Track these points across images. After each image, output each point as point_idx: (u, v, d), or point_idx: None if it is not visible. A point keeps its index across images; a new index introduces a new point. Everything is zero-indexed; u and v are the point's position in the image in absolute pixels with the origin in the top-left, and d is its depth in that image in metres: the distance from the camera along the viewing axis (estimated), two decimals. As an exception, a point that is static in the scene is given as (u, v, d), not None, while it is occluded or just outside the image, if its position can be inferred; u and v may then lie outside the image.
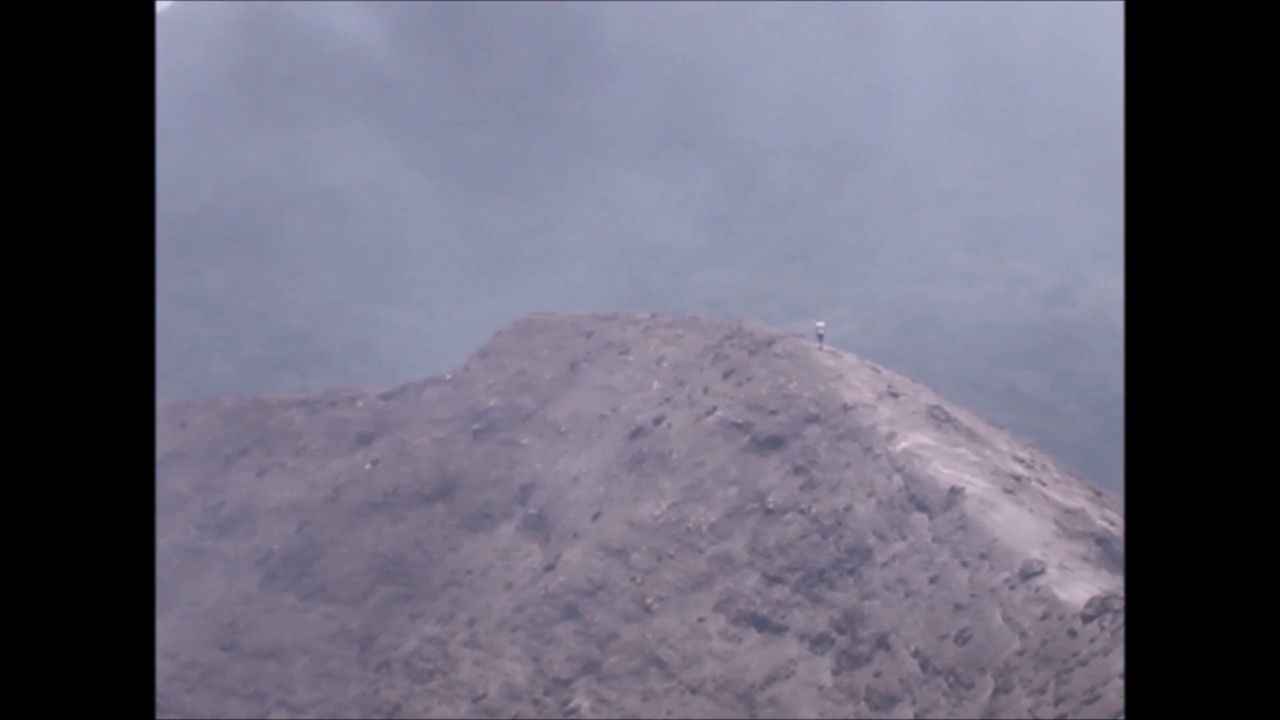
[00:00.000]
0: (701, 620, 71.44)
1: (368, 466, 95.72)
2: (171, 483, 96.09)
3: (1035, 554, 62.38)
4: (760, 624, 69.74)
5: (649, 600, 74.02)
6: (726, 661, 69.04)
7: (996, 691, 57.39)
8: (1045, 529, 65.19)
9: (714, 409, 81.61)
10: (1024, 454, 76.33)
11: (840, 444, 74.62)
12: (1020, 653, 58.11)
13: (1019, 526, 65.15)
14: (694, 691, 68.72)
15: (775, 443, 77.20)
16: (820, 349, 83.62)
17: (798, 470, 75.07)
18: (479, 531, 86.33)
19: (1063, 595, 59.10)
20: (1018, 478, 70.77)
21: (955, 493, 67.53)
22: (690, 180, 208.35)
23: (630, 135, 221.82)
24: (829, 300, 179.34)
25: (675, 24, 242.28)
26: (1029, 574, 61.17)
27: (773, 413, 78.67)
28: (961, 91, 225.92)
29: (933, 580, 64.62)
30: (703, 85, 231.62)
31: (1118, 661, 52.31)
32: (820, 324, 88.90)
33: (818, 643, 67.02)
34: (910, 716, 60.57)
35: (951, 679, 60.04)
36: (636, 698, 70.18)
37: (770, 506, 74.19)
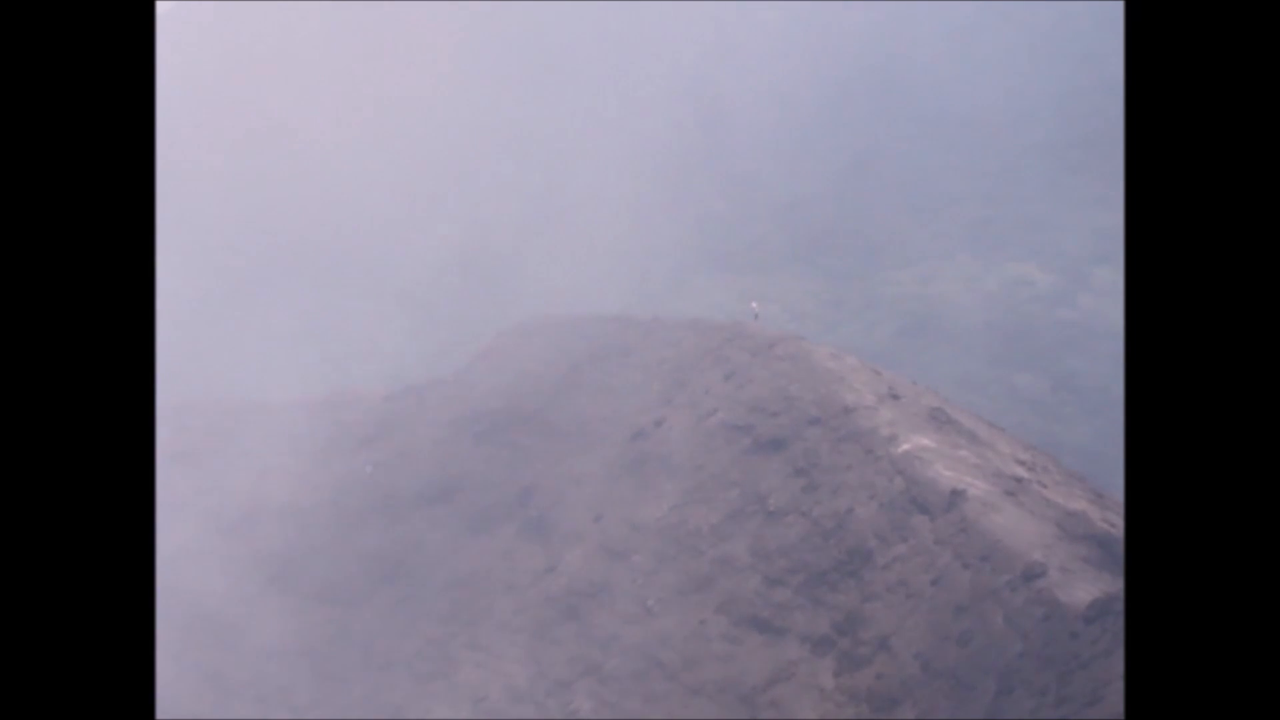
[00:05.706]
0: (703, 622, 71.43)
1: (369, 468, 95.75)
2: (173, 484, 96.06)
3: (1036, 556, 62.39)
4: (761, 626, 69.73)
5: (650, 602, 74.01)
6: (727, 663, 69.02)
7: (998, 693, 57.44)
8: (1046, 531, 65.18)
9: (715, 411, 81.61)
10: (1025, 456, 76.29)
11: (841, 446, 74.60)
12: (1022, 654, 58.14)
13: (1020, 528, 65.16)
14: (695, 693, 68.71)
15: (776, 445, 77.19)
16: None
17: (799, 472, 75.05)
18: (480, 533, 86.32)
19: (1064, 597, 59.14)
20: (1019, 480, 70.74)
21: (956, 495, 67.53)
22: (691, 182, 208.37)
23: (632, 136, 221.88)
24: (830, 302, 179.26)
25: (678, 25, 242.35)
26: (1030, 576, 61.18)
27: (774, 415, 78.67)
28: (961, 92, 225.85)
29: (934, 582, 64.63)
30: (704, 86, 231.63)
31: (1119, 663, 52.38)
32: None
33: (819, 645, 67.01)
34: (912, 718, 60.58)
35: (953, 681, 60.06)
36: (638, 699, 70.17)
37: (771, 509, 74.17)
